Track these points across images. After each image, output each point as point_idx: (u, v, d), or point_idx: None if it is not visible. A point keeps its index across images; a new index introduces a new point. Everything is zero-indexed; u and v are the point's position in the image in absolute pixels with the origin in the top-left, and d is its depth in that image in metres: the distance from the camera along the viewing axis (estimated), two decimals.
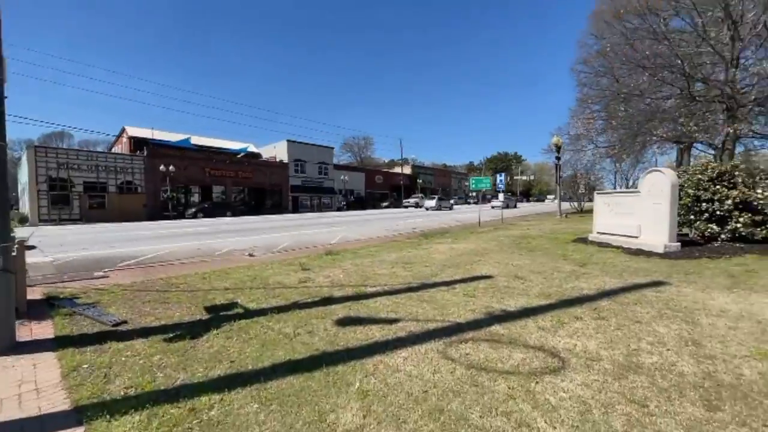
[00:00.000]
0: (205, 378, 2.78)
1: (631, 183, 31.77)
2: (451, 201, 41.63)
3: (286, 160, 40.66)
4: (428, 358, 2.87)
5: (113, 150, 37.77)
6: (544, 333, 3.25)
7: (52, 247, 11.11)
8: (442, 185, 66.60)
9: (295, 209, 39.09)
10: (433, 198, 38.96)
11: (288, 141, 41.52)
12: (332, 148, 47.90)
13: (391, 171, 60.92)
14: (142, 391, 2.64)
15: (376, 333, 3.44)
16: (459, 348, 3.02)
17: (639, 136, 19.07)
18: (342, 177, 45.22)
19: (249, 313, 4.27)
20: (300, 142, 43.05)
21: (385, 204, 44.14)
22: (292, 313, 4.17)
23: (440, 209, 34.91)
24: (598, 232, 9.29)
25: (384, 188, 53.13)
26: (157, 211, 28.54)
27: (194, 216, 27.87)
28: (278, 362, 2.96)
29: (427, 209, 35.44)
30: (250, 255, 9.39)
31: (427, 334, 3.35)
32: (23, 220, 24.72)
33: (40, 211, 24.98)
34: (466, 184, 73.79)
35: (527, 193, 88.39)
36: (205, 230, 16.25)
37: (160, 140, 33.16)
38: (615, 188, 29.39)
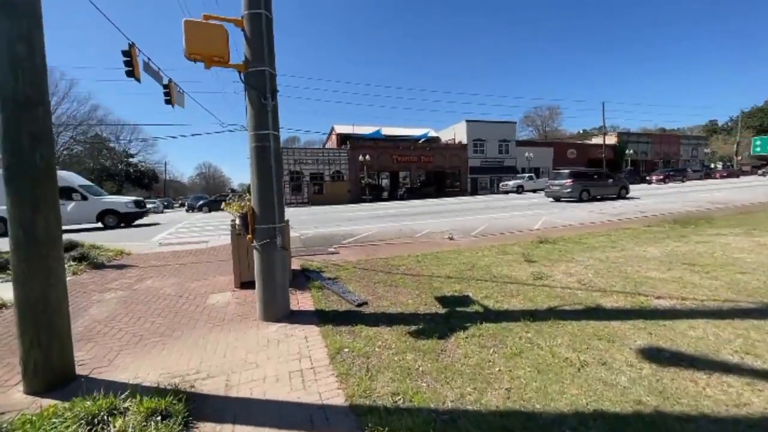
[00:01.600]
0: (481, 407, 2.13)
1: None
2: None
3: (465, 141, 39.87)
4: None
5: (326, 146, 46.58)
6: None
7: (295, 224, 14.09)
8: (664, 155, 50.88)
9: (474, 191, 37.87)
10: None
11: (467, 121, 40.47)
12: (514, 123, 43.78)
13: (588, 143, 50.91)
14: (411, 403, 2.21)
15: (751, 396, 2.00)
16: None
17: None
18: (526, 154, 40.80)
19: (490, 314, 3.54)
20: (479, 121, 41.24)
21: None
22: (555, 324, 3.16)
23: None
24: None
25: (578, 163, 44.92)
26: (357, 196, 33.33)
27: (393, 198, 30.95)
28: (582, 410, 2.01)
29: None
30: (450, 238, 9.00)
31: None
32: None
33: (286, 198, 33.32)
34: (706, 151, 53.90)
35: None
36: (399, 212, 17.37)
37: (358, 134, 38.38)
38: None
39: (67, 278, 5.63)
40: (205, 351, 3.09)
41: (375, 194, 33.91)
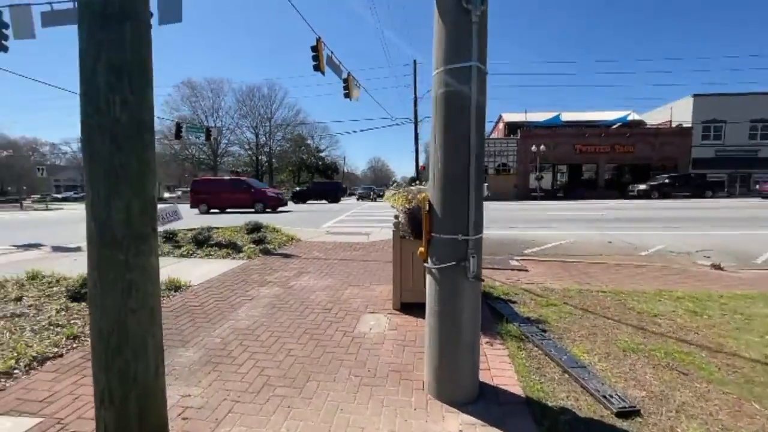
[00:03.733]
0: None
1: None
2: None
3: (688, 123, 29.26)
4: None
5: (491, 136, 43.16)
6: None
7: None
8: None
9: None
10: None
11: (694, 96, 29.51)
12: None
13: None
14: None
15: None
16: None
17: None
18: None
19: None
20: (714, 95, 29.52)
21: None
22: None
23: None
24: None
25: None
26: (525, 192, 29.15)
27: (572, 196, 25.85)
28: None
29: None
30: (716, 267, 5.45)
31: None
32: None
33: None
34: None
35: None
36: (593, 215, 13.35)
37: (531, 122, 33.55)
38: None
39: (240, 263, 5.68)
40: None
41: (548, 191, 28.97)
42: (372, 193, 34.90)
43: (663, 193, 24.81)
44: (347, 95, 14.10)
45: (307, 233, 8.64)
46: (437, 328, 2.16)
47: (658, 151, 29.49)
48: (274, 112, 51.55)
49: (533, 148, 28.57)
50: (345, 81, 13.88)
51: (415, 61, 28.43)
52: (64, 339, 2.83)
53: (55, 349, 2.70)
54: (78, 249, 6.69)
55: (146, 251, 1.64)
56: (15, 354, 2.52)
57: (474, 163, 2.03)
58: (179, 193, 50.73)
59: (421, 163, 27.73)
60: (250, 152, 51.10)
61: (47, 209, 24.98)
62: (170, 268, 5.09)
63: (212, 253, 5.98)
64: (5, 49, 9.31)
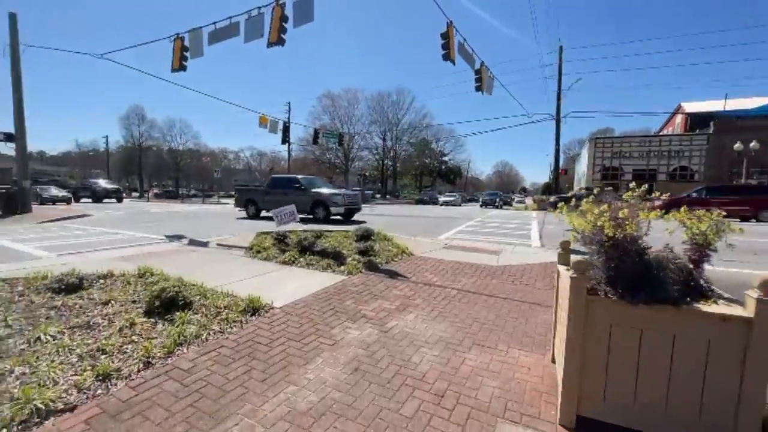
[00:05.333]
0: None
1: None
2: None
3: None
4: None
5: (664, 131, 33.94)
6: None
7: None
8: None
9: None
10: None
11: None
12: None
13: None
14: None
15: None
16: None
17: None
18: None
19: None
20: None
21: None
22: None
23: None
24: None
25: None
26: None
27: None
28: None
29: None
30: None
31: None
32: None
33: None
34: None
35: None
36: None
37: (732, 111, 24.70)
38: None
39: (338, 279, 4.68)
40: None
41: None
42: (498, 199, 31.65)
43: None
44: (479, 88, 12.40)
45: (422, 245, 7.34)
46: None
47: None
48: (402, 117, 52.89)
49: (736, 145, 20.79)
50: (478, 72, 12.21)
51: (561, 47, 24.32)
52: (92, 378, 2.16)
53: (71, 397, 2.03)
54: (205, 244, 6.99)
55: None
56: (21, 402, 1.91)
57: None
58: None
59: (561, 167, 23.41)
60: (377, 156, 53.72)
61: (218, 203, 31.07)
62: (260, 279, 4.46)
63: (313, 262, 5.24)
64: (185, 68, 11.09)
